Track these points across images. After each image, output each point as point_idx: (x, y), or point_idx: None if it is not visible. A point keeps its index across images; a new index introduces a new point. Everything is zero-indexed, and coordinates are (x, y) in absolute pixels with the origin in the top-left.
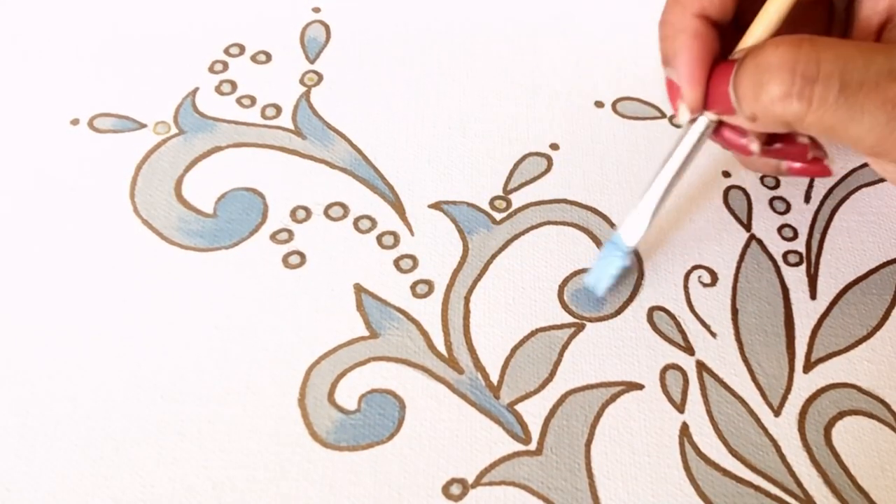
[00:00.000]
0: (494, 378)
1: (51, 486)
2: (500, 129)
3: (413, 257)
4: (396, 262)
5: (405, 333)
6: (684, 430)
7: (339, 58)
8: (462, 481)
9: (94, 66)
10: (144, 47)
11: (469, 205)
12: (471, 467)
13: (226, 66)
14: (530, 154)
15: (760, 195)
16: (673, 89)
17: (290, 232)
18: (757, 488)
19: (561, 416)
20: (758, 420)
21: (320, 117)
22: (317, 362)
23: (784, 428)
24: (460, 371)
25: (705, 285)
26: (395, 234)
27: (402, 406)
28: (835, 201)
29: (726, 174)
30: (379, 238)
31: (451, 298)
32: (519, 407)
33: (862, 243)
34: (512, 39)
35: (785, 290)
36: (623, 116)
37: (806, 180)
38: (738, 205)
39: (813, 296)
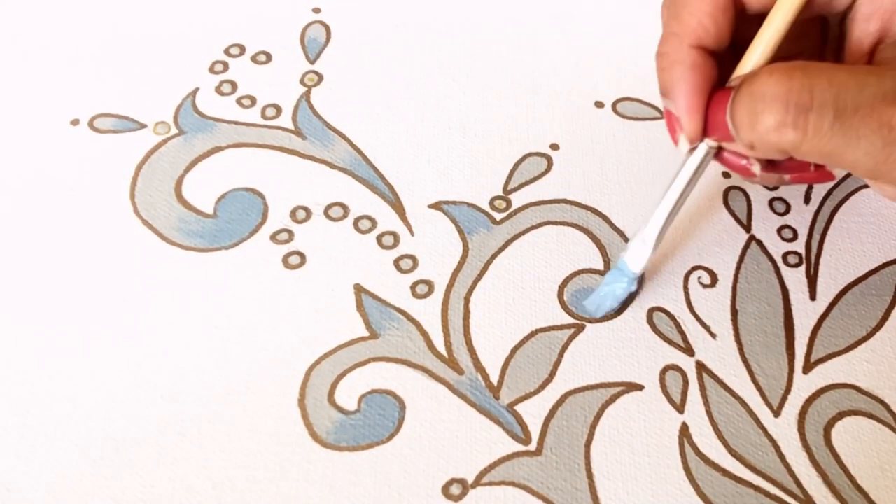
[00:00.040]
0: (494, 378)
1: (51, 486)
2: (500, 129)
3: (413, 257)
4: (396, 263)
5: (405, 334)
6: (684, 431)
7: (339, 58)
8: (462, 481)
9: (94, 66)
10: (144, 47)
11: (469, 205)
12: (471, 467)
13: (226, 66)
14: (530, 154)
15: (760, 196)
16: (672, 119)
17: (290, 232)
18: (756, 488)
19: (561, 417)
20: (757, 420)
21: (320, 117)
22: (317, 363)
23: (784, 428)
24: (460, 371)
25: (705, 286)
26: (395, 235)
27: (402, 406)
28: (834, 202)
29: (726, 175)
30: (379, 238)
31: (451, 299)
32: (519, 407)
33: (862, 244)
34: (512, 39)
35: (785, 291)
36: (623, 116)
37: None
38: (737, 206)
39: (812, 297)
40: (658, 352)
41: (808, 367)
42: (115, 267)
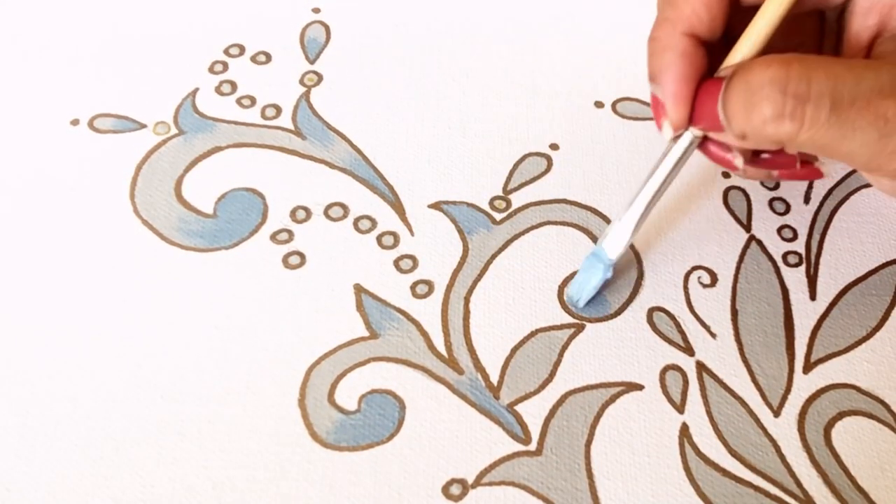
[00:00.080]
0: (494, 378)
1: (51, 486)
2: (500, 129)
3: (413, 257)
4: (396, 263)
5: (405, 334)
6: (684, 431)
7: (339, 58)
8: (462, 481)
9: (94, 66)
10: (144, 47)
11: (469, 205)
12: (471, 467)
13: (226, 66)
14: (530, 154)
15: (760, 196)
16: (657, 105)
17: (290, 232)
18: (757, 488)
19: (561, 417)
20: (757, 420)
21: (320, 117)
22: (317, 362)
23: (784, 428)
24: (460, 371)
25: (705, 286)
26: (395, 235)
27: (402, 406)
28: (834, 202)
29: (726, 175)
30: (379, 238)
31: (451, 299)
32: (519, 407)
33: (861, 244)
34: (512, 39)
35: (785, 291)
36: (623, 116)
37: (806, 181)
38: (737, 205)
39: (812, 296)
40: (658, 352)
41: (808, 367)
42: (115, 267)
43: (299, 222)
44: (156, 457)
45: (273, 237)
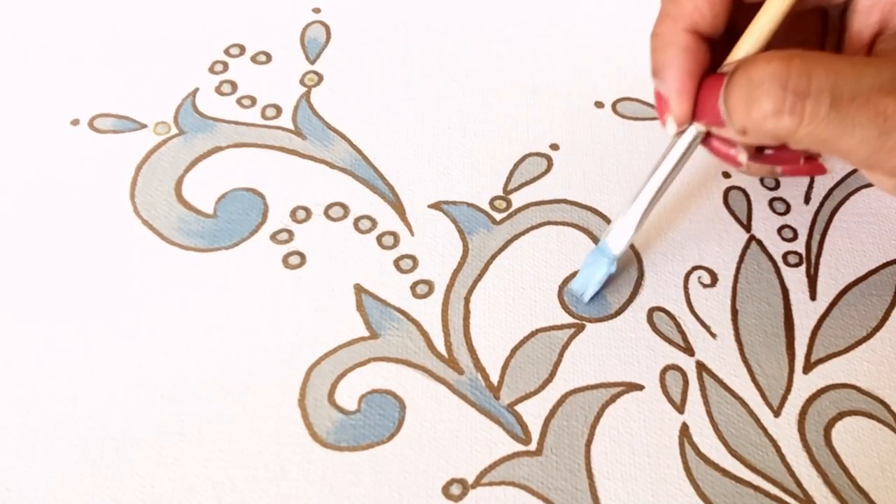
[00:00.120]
0: (494, 378)
1: (51, 486)
2: (500, 129)
3: (413, 257)
4: (396, 263)
5: (405, 334)
6: (684, 431)
7: (339, 58)
8: (462, 481)
9: (94, 66)
10: (144, 47)
11: (469, 205)
12: (471, 467)
13: (226, 66)
14: (530, 154)
15: (760, 196)
16: (661, 101)
17: (290, 232)
18: (757, 488)
19: (561, 417)
20: (757, 420)
21: (320, 117)
22: (317, 363)
23: (784, 428)
24: (460, 371)
25: (705, 286)
26: (395, 235)
27: (403, 406)
28: (834, 202)
29: (726, 175)
30: (379, 238)
31: (452, 299)
32: (519, 407)
33: (862, 244)
34: (512, 39)
35: (785, 291)
36: (623, 117)
37: (806, 181)
38: (737, 205)
39: (813, 297)
40: (658, 351)
41: (808, 367)
42: (115, 267)
43: (299, 222)
44: (156, 457)
45: (273, 237)
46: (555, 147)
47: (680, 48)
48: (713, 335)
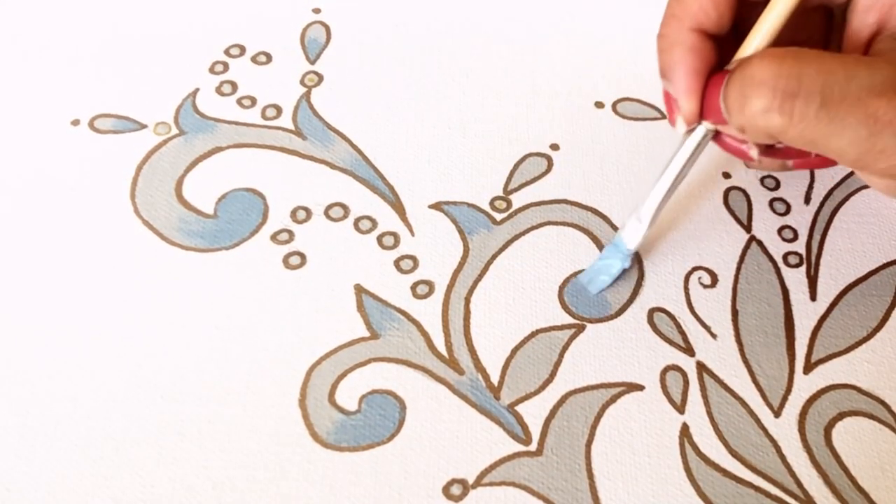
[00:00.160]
0: (495, 379)
1: (51, 486)
2: (500, 130)
3: (413, 258)
4: (397, 263)
5: (406, 334)
6: (684, 431)
7: (340, 58)
8: (462, 482)
9: (94, 66)
10: (144, 47)
11: (469, 205)
12: (471, 468)
13: (226, 66)
14: (530, 154)
15: (760, 196)
16: (670, 101)
17: (290, 232)
18: (757, 489)
19: (561, 417)
20: (758, 421)
21: (321, 118)
22: (317, 363)
23: (784, 429)
24: (461, 372)
25: (705, 286)
26: (395, 235)
27: (403, 407)
28: (835, 203)
29: (726, 175)
30: (379, 238)
31: (452, 299)
32: (519, 408)
33: (862, 245)
34: (512, 39)
35: (785, 292)
36: (623, 117)
37: (806, 181)
38: (738, 206)
39: (813, 297)
40: (658, 352)
41: (808, 368)
42: (115, 267)
43: (300, 222)
44: (156, 457)
45: (273, 237)
46: (555, 147)
47: (686, 48)
48: (713, 335)
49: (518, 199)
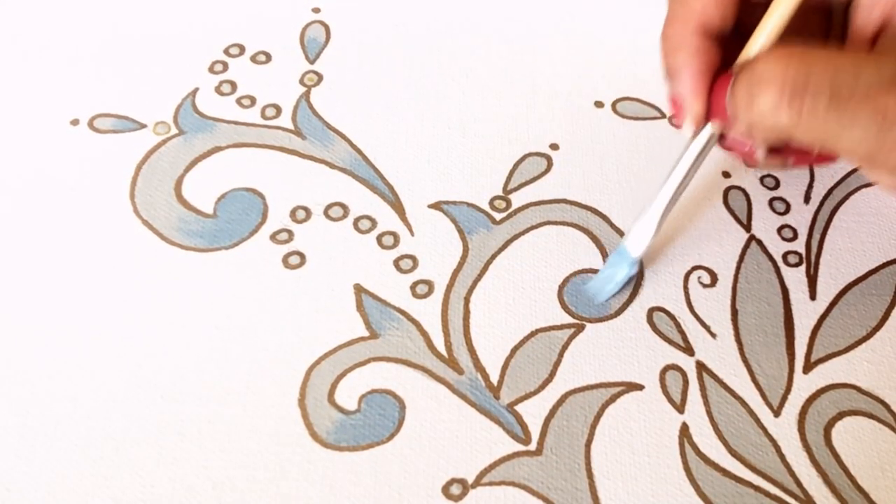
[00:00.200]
0: (494, 378)
1: (51, 486)
2: (500, 129)
3: (413, 257)
4: (396, 263)
5: (405, 334)
6: (684, 431)
7: (339, 58)
8: (462, 481)
9: (94, 66)
10: (144, 47)
11: (469, 205)
12: (471, 467)
13: (226, 66)
14: (530, 154)
15: (760, 196)
16: (676, 103)
17: (290, 232)
18: (757, 488)
19: (561, 417)
20: (757, 420)
21: (320, 117)
22: (317, 362)
23: (784, 428)
24: (460, 371)
25: (705, 286)
26: (395, 235)
27: (402, 406)
28: (834, 202)
29: (726, 175)
30: (379, 238)
31: (451, 299)
32: (519, 407)
33: (861, 244)
34: (512, 39)
35: (785, 291)
36: (623, 116)
37: (806, 180)
38: (737, 205)
39: (813, 296)
40: (658, 351)
41: (808, 367)
42: (115, 267)
43: (299, 222)
44: (156, 457)
45: (273, 237)
46: (555, 147)
47: (690, 50)
48: (713, 335)
49: (518, 199)
